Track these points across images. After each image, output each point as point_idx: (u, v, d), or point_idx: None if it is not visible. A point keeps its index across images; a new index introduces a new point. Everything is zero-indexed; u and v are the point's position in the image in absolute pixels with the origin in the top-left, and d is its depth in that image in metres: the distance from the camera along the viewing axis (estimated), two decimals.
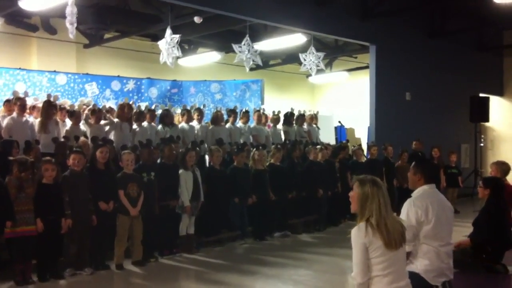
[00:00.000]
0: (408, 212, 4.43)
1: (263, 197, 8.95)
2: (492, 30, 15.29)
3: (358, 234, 3.48)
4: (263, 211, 8.99)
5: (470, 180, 13.56)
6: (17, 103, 8.30)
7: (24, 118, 8.38)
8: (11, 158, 6.55)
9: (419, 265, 4.44)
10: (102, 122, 9.04)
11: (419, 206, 4.45)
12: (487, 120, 14.95)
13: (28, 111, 8.78)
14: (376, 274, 3.49)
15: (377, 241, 3.43)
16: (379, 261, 3.46)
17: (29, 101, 9.01)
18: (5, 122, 8.17)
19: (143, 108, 10.00)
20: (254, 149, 9.22)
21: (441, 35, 14.13)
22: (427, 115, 13.79)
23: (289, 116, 11.64)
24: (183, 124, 10.07)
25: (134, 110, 9.65)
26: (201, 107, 10.90)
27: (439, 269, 4.47)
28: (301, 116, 11.93)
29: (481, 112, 14.60)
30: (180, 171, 7.92)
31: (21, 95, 8.66)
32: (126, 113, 9.15)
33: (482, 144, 15.65)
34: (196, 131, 10.15)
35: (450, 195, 11.71)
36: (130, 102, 9.94)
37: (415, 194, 4.66)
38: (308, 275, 6.81)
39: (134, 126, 9.34)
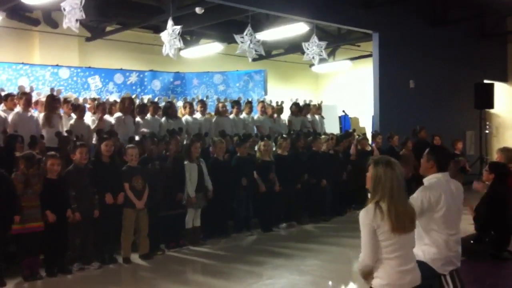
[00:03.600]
0: (421, 197, 4.38)
1: (269, 188, 8.95)
2: (495, 17, 15.18)
3: (366, 216, 3.46)
4: (269, 202, 8.99)
5: (475, 167, 13.52)
6: (22, 98, 8.29)
7: (29, 113, 8.37)
8: (17, 154, 6.54)
9: (426, 254, 4.42)
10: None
11: (432, 194, 4.40)
12: (491, 106, 14.90)
13: (32, 105, 8.77)
14: (384, 257, 3.49)
15: (384, 225, 3.41)
16: (386, 244, 3.46)
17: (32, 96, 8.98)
18: (10, 117, 8.15)
19: (145, 100, 10.00)
20: (260, 140, 9.20)
21: (444, 22, 14.04)
22: (431, 103, 13.74)
23: (294, 106, 11.62)
24: (186, 117, 10.05)
25: (137, 103, 9.65)
26: (204, 99, 10.89)
27: (447, 258, 4.45)
28: (306, 106, 11.90)
29: (486, 98, 14.55)
30: (185, 162, 7.92)
31: (27, 90, 8.66)
32: (127, 106, 9.17)
33: (487, 131, 15.60)
34: (199, 123, 10.13)
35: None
36: (133, 96, 9.94)
37: (427, 181, 4.61)
38: (314, 265, 6.83)
39: (138, 119, 9.34)
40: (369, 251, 3.49)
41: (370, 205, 3.46)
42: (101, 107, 9.04)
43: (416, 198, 4.32)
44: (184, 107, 10.28)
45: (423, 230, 4.34)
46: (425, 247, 4.43)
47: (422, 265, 4.06)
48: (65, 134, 8.00)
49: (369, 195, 3.56)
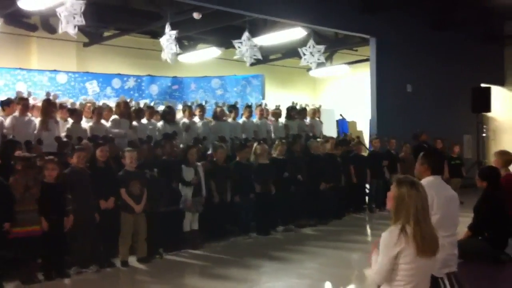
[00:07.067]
0: None
1: (267, 191, 8.95)
2: (492, 21, 15.23)
3: (389, 240, 3.29)
4: (266, 206, 8.99)
5: (473, 171, 13.53)
6: (20, 103, 8.30)
7: (27, 118, 8.38)
8: (16, 154, 6.50)
9: None
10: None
11: None
12: (489, 110, 14.91)
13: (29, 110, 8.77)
14: (401, 279, 3.32)
15: (409, 248, 3.24)
16: (407, 268, 3.28)
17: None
18: (7, 121, 8.16)
19: (141, 105, 10.02)
20: (256, 143, 9.22)
21: (441, 27, 14.10)
22: (428, 107, 13.80)
23: (290, 110, 11.64)
24: (184, 121, 10.07)
25: (133, 107, 9.66)
26: (203, 103, 10.91)
27: (443, 261, 4.44)
28: (303, 110, 11.92)
29: (483, 102, 14.56)
30: (182, 166, 7.93)
31: (25, 95, 8.67)
32: (123, 110, 9.19)
33: (484, 135, 15.63)
34: (198, 127, 10.15)
35: (453, 186, 11.63)
36: (128, 100, 9.96)
37: None
38: (313, 269, 6.83)
39: (134, 123, 9.35)
40: (383, 275, 3.36)
41: (394, 228, 3.29)
42: (97, 112, 9.05)
43: None
44: (183, 111, 10.31)
45: None
46: None
47: None
48: (65, 139, 8.00)
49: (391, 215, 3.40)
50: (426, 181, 4.60)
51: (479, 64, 15.49)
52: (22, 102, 8.33)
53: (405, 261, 3.27)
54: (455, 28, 14.38)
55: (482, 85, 15.21)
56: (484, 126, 15.72)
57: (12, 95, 9.59)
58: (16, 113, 8.25)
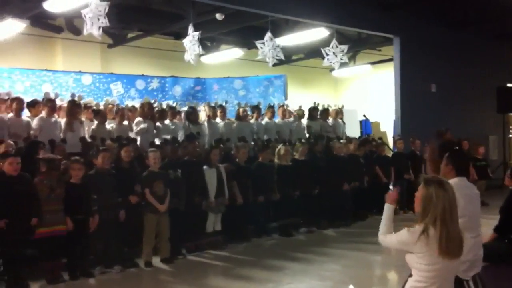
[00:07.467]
0: None
1: (288, 193, 8.94)
2: None
3: (408, 239, 3.32)
4: (288, 207, 8.97)
5: (499, 172, 13.33)
6: (47, 104, 8.43)
7: (53, 119, 8.51)
8: (39, 156, 6.61)
9: None
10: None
11: None
12: None
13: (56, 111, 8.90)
14: (424, 280, 3.31)
15: (428, 250, 3.23)
16: (429, 269, 3.28)
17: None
18: (34, 122, 8.30)
19: (164, 106, 10.10)
20: (280, 144, 9.21)
21: (465, 25, 13.89)
22: (453, 107, 13.61)
23: (312, 111, 11.60)
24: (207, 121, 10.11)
25: (156, 109, 9.74)
26: (223, 104, 10.94)
27: (469, 262, 4.41)
28: (325, 111, 11.87)
29: (509, 102, 14.32)
30: (204, 167, 7.97)
31: (52, 97, 8.80)
32: (146, 111, 9.26)
33: (510, 135, 15.37)
34: (220, 128, 10.19)
35: (479, 188, 11.49)
36: (152, 101, 10.05)
37: None
38: (335, 270, 6.80)
39: (158, 124, 9.42)
40: (391, 246, 3.62)
41: (418, 228, 3.28)
42: (120, 113, 9.15)
43: None
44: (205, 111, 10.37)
45: None
46: None
47: None
48: (89, 139, 8.10)
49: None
50: (451, 182, 4.54)
51: (505, 64, 15.25)
52: (49, 103, 8.47)
53: (426, 262, 3.26)
54: (479, 27, 14.17)
55: (508, 84, 14.96)
56: (511, 127, 15.46)
57: (38, 96, 9.76)
58: (43, 114, 8.39)
